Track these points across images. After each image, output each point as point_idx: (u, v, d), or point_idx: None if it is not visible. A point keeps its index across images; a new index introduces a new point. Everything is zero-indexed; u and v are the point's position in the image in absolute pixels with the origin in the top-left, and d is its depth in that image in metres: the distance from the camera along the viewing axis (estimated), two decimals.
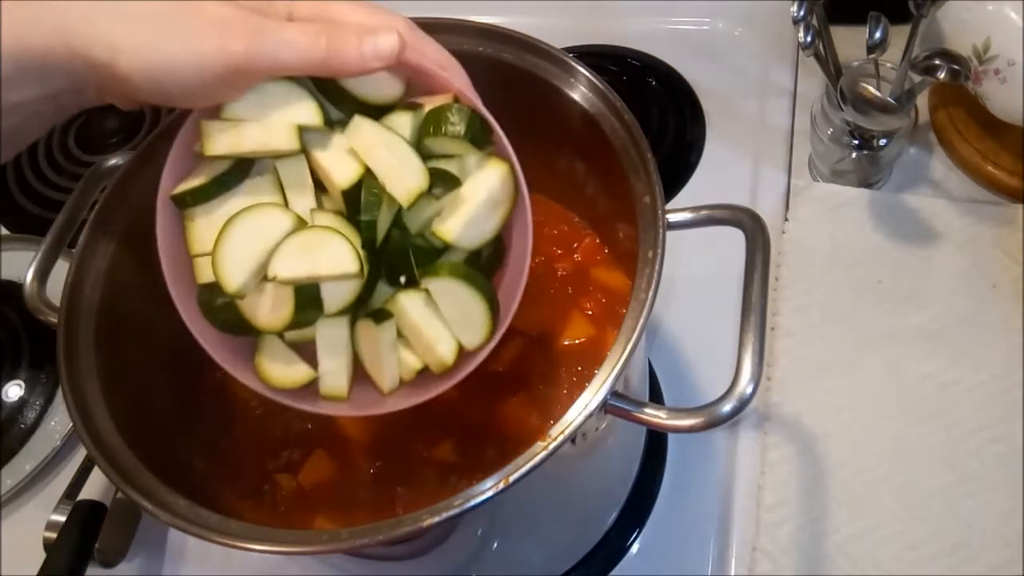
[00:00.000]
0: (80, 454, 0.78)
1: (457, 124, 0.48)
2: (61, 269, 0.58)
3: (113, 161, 0.63)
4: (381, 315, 0.50)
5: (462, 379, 0.50)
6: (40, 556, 0.68)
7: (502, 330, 0.50)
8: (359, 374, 0.52)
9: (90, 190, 0.63)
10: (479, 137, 0.48)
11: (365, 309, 0.50)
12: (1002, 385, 0.71)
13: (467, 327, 0.50)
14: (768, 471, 0.70)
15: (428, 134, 0.48)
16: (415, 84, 0.50)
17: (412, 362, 0.51)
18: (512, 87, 0.59)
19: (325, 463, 0.60)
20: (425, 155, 0.48)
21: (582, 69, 0.58)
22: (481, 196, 0.49)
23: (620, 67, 0.97)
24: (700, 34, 0.99)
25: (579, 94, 0.59)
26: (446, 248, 0.50)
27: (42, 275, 0.61)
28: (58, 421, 0.80)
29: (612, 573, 0.69)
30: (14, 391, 0.82)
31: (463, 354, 0.50)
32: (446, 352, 0.50)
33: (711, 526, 0.69)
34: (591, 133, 0.58)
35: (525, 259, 0.50)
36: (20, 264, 0.89)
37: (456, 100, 0.49)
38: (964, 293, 0.76)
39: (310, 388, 0.52)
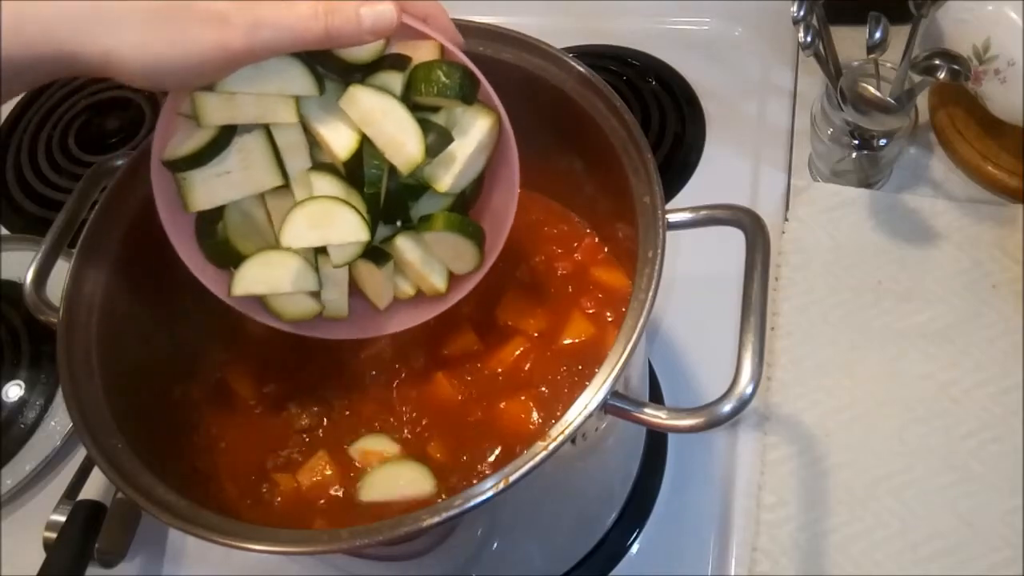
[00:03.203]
0: (80, 454, 0.78)
1: (448, 83, 0.49)
2: (61, 269, 0.58)
3: (113, 161, 0.63)
4: (381, 258, 0.55)
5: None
6: (40, 556, 0.67)
7: (492, 259, 0.55)
8: (357, 296, 0.57)
9: (90, 190, 0.63)
10: (468, 93, 0.50)
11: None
12: (1002, 385, 0.71)
13: (457, 261, 0.55)
14: (768, 471, 0.70)
15: (419, 92, 0.49)
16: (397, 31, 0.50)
17: (407, 288, 0.57)
18: (512, 87, 0.59)
19: (326, 463, 0.60)
20: (413, 106, 0.50)
21: (582, 69, 0.58)
22: (471, 148, 0.52)
23: (620, 67, 0.97)
24: (700, 34, 0.99)
25: (579, 94, 0.59)
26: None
27: (42, 275, 0.61)
28: (58, 421, 0.80)
29: (612, 573, 0.69)
30: (14, 391, 0.82)
31: (455, 279, 0.57)
32: (438, 281, 0.56)
33: (711, 526, 0.69)
34: (591, 133, 0.58)
35: (513, 191, 0.54)
36: (20, 264, 0.89)
37: (442, 53, 0.50)
38: (964, 293, 0.75)
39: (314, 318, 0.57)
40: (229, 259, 0.54)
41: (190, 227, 0.54)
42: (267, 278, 0.53)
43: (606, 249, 0.67)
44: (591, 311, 0.64)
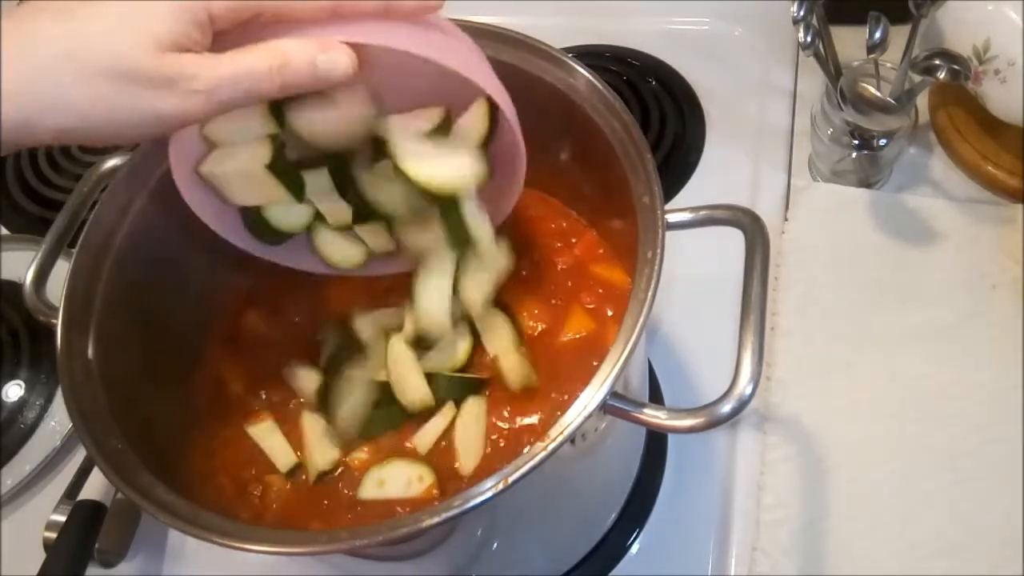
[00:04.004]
0: (80, 454, 0.78)
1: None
2: (61, 269, 0.58)
3: (113, 161, 0.63)
4: None
5: None
6: (40, 556, 0.67)
7: (511, 205, 0.60)
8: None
9: (90, 190, 0.63)
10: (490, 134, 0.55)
11: None
12: (1002, 385, 0.71)
13: None
14: (768, 471, 0.70)
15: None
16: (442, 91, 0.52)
17: None
18: (512, 87, 0.59)
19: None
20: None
21: (582, 69, 0.58)
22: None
23: (620, 67, 0.97)
24: (700, 34, 0.99)
25: (579, 94, 0.59)
26: None
27: (42, 275, 0.61)
28: (58, 421, 0.80)
29: (612, 573, 0.69)
30: (14, 391, 0.82)
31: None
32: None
33: (711, 526, 0.69)
34: (591, 133, 0.58)
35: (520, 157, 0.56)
36: (20, 264, 0.89)
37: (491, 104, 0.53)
38: (964, 293, 0.75)
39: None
40: (277, 235, 0.58)
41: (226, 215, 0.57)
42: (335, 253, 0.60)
43: (606, 248, 0.67)
44: (591, 306, 0.64)
